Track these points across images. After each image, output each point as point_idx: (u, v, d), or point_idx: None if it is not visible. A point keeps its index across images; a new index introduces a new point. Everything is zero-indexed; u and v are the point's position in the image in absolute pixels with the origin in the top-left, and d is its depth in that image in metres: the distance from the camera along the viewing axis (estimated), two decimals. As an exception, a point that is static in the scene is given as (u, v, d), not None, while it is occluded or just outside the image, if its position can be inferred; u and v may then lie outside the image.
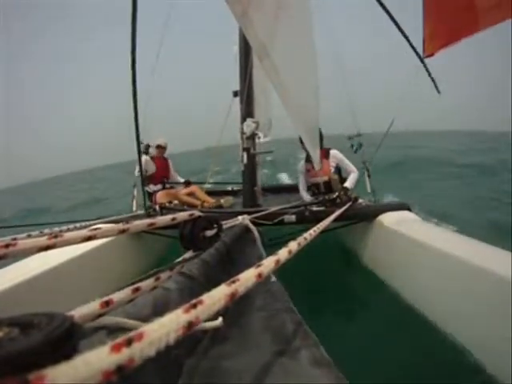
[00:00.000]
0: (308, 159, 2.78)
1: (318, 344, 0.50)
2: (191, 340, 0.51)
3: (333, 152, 2.82)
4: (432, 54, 2.29)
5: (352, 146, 3.10)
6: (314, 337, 0.53)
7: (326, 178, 2.76)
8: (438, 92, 2.55)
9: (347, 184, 2.64)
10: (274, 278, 0.78)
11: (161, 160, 3.50)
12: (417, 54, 2.24)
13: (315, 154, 2.60)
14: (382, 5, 1.81)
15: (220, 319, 0.52)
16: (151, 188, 3.29)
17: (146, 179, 3.14)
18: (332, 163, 2.78)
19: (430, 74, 2.37)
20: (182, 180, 3.71)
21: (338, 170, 2.86)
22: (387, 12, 1.89)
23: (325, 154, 2.79)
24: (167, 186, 3.46)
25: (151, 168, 3.34)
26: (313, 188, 2.92)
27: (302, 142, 2.61)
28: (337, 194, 2.47)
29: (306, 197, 2.92)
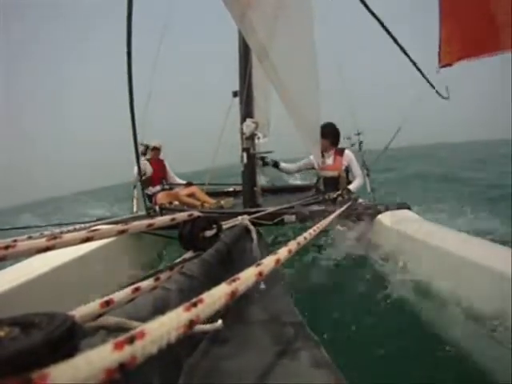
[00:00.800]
0: (321, 154, 2.82)
1: (319, 345, 0.50)
2: (191, 340, 0.51)
3: (347, 152, 2.85)
4: (450, 64, 2.17)
5: (352, 145, 3.12)
6: (315, 338, 0.53)
7: (335, 174, 2.79)
8: (444, 97, 2.49)
9: (351, 186, 2.66)
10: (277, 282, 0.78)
11: (157, 162, 3.52)
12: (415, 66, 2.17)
13: (316, 153, 2.61)
14: (384, 27, 1.75)
15: (220, 321, 0.52)
16: (150, 190, 3.30)
17: (145, 182, 3.16)
18: (344, 162, 2.80)
19: (433, 86, 2.31)
20: (181, 181, 3.72)
21: (347, 171, 2.87)
22: (388, 33, 1.82)
23: (339, 152, 2.82)
24: (166, 187, 3.47)
25: (149, 170, 3.37)
26: (318, 184, 2.93)
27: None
28: (338, 192, 2.48)
29: (285, 167, 3.03)
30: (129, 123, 1.91)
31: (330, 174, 2.81)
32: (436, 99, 2.57)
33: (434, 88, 2.38)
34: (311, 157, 2.98)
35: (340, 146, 2.96)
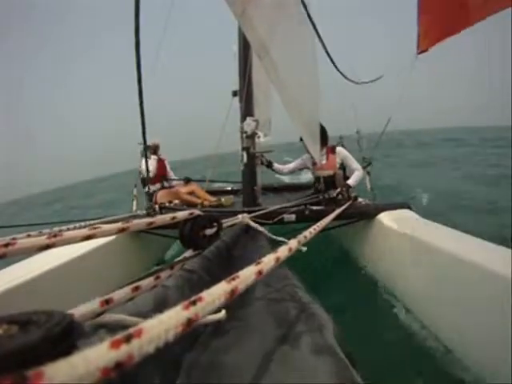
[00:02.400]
0: None
1: (322, 328, 0.49)
2: (191, 334, 0.51)
3: (339, 149, 2.83)
4: (426, 50, 2.46)
5: (358, 141, 3.11)
6: (320, 320, 0.52)
7: (331, 172, 2.77)
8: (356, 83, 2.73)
9: (350, 181, 2.63)
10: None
11: (158, 160, 3.54)
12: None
13: (315, 151, 2.59)
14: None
15: (223, 312, 0.52)
16: (151, 188, 3.30)
17: (149, 180, 3.23)
18: (337, 159, 2.79)
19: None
20: (177, 178, 3.73)
21: (343, 168, 2.85)
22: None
23: (331, 150, 2.81)
24: (166, 185, 3.48)
25: (154, 168, 3.42)
26: (316, 184, 2.91)
27: (301, 139, 2.61)
28: (338, 190, 2.47)
29: (278, 168, 3.04)
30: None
31: (325, 173, 2.80)
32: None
33: (345, 77, 2.66)
34: (304, 157, 2.97)
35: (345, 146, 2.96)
